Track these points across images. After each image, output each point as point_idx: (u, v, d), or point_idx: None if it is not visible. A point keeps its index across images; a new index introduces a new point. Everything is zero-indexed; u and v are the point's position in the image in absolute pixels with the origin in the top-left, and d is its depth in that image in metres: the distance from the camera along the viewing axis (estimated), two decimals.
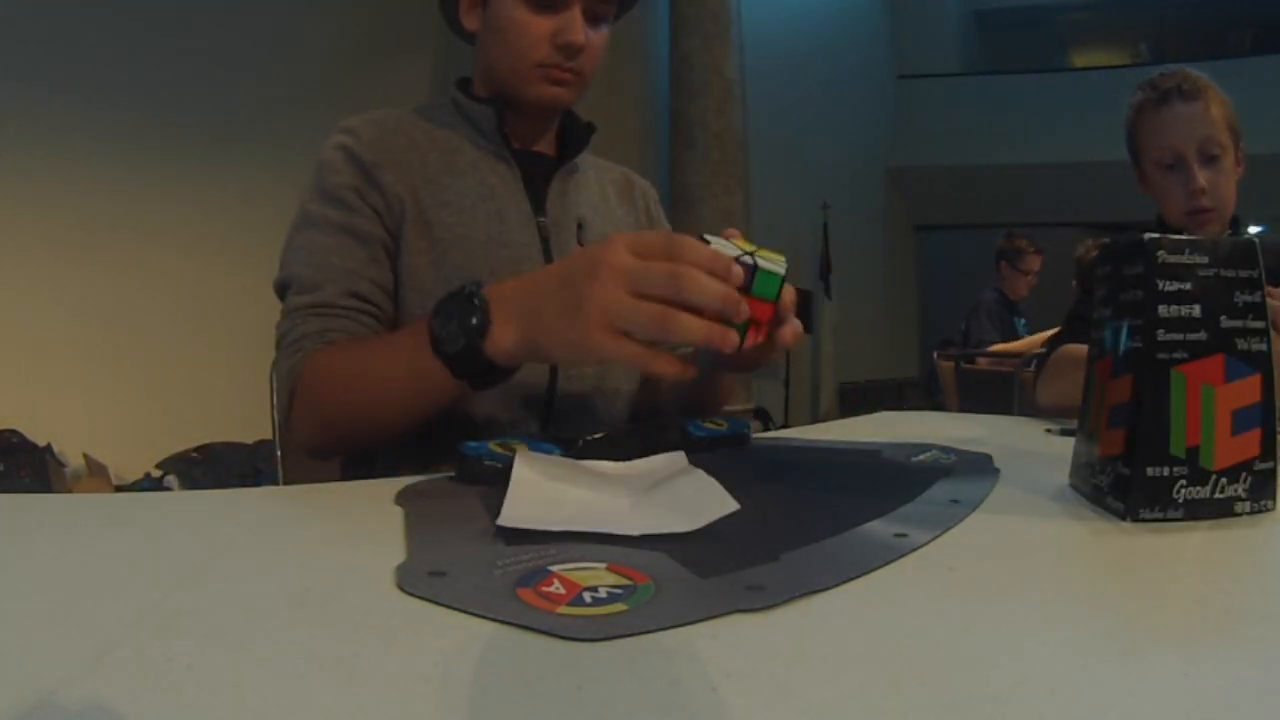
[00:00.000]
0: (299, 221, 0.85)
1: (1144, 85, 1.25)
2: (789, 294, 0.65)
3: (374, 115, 0.91)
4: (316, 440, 0.78)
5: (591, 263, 0.57)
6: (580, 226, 0.94)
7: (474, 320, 0.63)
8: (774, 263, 0.61)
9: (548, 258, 0.90)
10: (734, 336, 0.55)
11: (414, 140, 0.89)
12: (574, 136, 0.97)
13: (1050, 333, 1.39)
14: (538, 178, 0.93)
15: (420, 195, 0.87)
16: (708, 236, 0.61)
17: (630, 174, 1.08)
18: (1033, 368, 1.34)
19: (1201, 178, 1.17)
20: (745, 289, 0.58)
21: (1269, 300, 0.52)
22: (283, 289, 0.84)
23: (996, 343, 3.47)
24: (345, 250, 0.83)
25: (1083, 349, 1.13)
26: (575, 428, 0.91)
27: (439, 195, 0.87)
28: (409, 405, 0.71)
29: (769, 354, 0.71)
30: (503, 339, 0.63)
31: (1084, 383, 0.61)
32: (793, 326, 0.64)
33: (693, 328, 0.54)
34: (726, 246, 0.61)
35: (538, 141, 0.95)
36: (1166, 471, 0.49)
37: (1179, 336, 0.50)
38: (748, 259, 0.60)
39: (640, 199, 1.06)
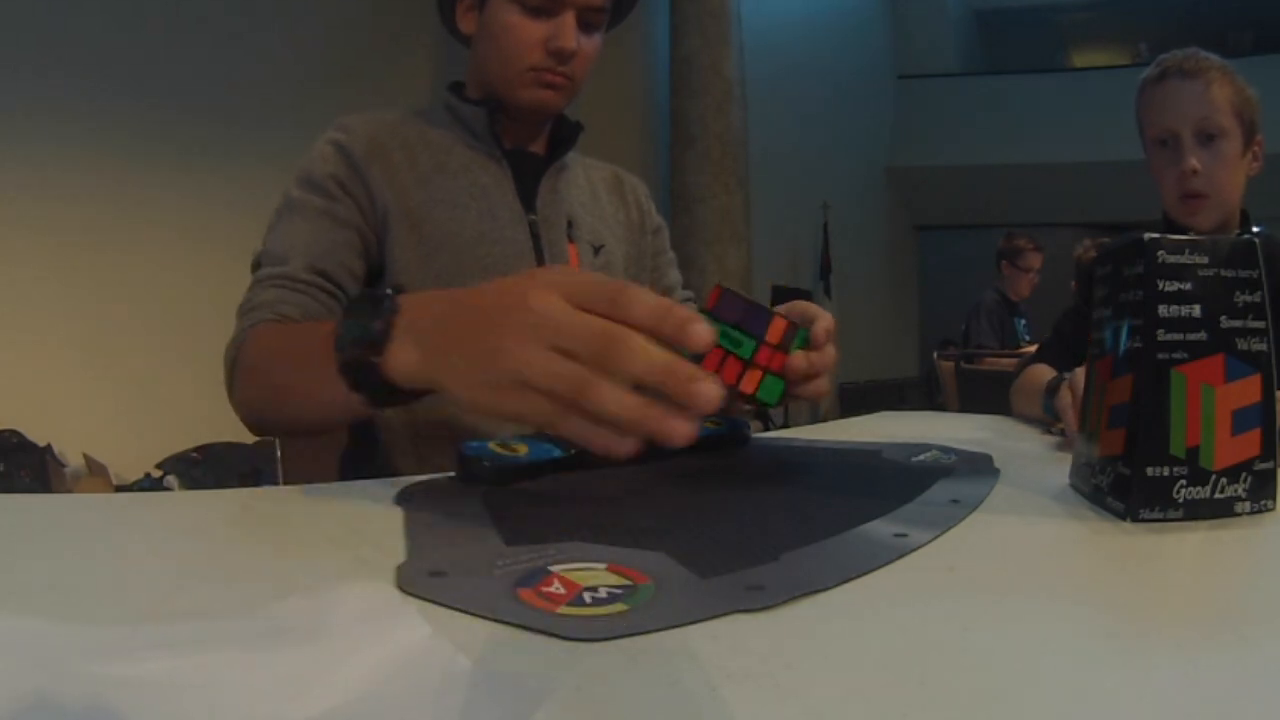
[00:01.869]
0: (281, 208, 0.87)
1: (1152, 65, 1.22)
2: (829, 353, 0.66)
3: (370, 115, 0.92)
4: (245, 414, 0.75)
5: (514, 304, 0.46)
6: (570, 224, 0.96)
7: (374, 327, 0.53)
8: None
9: (539, 255, 0.92)
10: (680, 426, 0.42)
11: (407, 141, 0.91)
12: (562, 135, 0.98)
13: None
14: (528, 176, 0.95)
15: (410, 195, 0.88)
16: (728, 287, 0.63)
17: (619, 171, 1.10)
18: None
19: (1193, 159, 1.13)
20: (784, 348, 0.60)
21: None
22: (255, 267, 0.85)
23: (994, 347, 3.47)
24: (319, 231, 0.84)
25: (1046, 375, 1.13)
26: None
27: (431, 194, 0.89)
28: (314, 405, 0.65)
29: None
30: (403, 360, 0.52)
31: (1084, 383, 0.61)
32: (818, 386, 0.63)
33: (613, 404, 0.42)
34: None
35: (529, 142, 0.97)
36: (1166, 471, 0.49)
37: (1179, 336, 0.50)
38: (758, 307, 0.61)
39: (630, 194, 1.08)
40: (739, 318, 0.61)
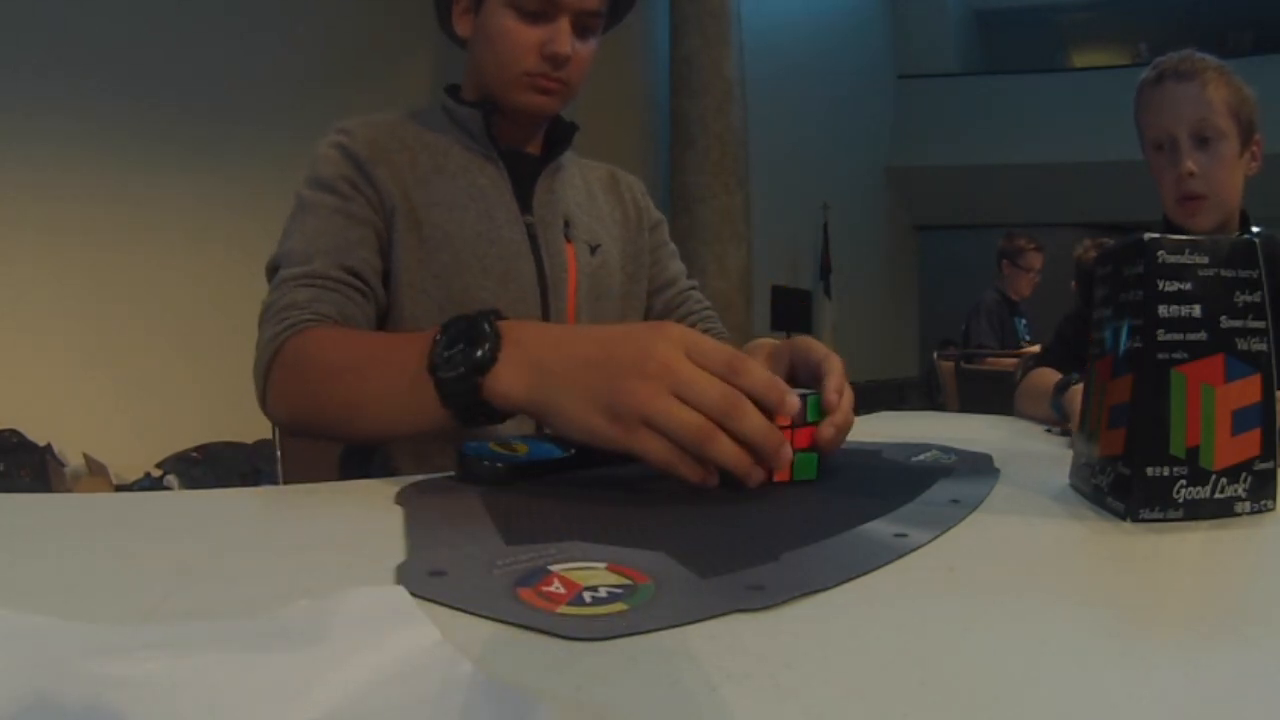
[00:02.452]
0: (294, 211, 0.87)
1: (1149, 67, 1.22)
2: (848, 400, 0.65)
3: (368, 118, 0.93)
4: (288, 419, 0.75)
5: (641, 353, 0.52)
6: (567, 224, 0.96)
7: (479, 352, 0.57)
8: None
9: (536, 255, 0.92)
10: (761, 475, 0.55)
11: (405, 143, 0.91)
12: (558, 136, 0.99)
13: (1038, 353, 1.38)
14: (525, 177, 0.95)
15: (411, 195, 0.89)
16: None
17: (615, 170, 1.10)
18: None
19: (1191, 161, 1.14)
20: (801, 421, 0.59)
21: None
22: (274, 269, 0.84)
23: (994, 346, 3.47)
24: (338, 230, 0.84)
25: (1052, 377, 1.13)
26: None
27: (429, 195, 0.89)
28: (387, 419, 0.65)
29: None
30: (509, 385, 0.56)
31: (1084, 383, 0.61)
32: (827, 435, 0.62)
33: (729, 455, 0.52)
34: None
35: (524, 143, 0.97)
36: (1166, 471, 0.49)
37: (1179, 336, 0.50)
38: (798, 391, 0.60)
39: (627, 191, 1.08)
40: None
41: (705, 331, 1.05)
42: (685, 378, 0.51)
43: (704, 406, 0.51)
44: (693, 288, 1.11)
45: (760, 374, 0.53)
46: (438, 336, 0.60)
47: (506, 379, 0.56)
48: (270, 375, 0.75)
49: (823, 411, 0.62)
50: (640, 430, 0.52)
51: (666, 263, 1.10)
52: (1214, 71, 1.16)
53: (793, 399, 0.54)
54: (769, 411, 0.54)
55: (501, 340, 0.57)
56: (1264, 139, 1.19)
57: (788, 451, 0.55)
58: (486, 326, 0.58)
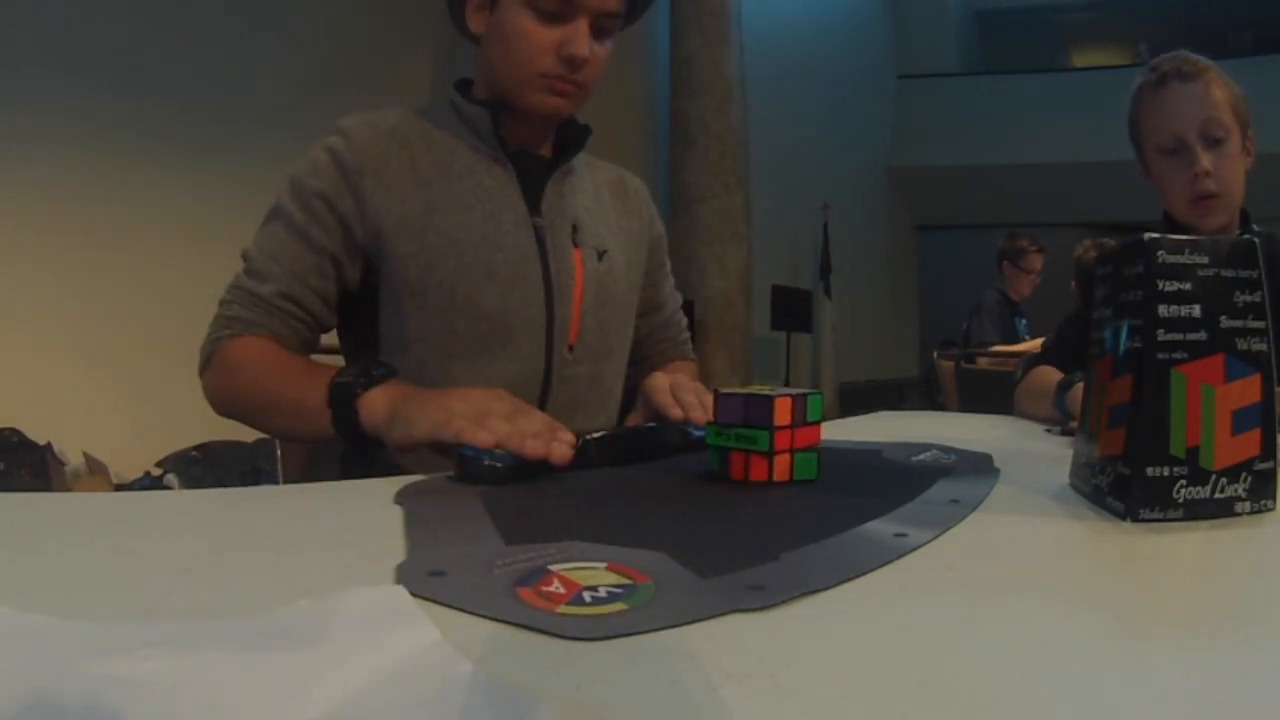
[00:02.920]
0: (271, 210, 0.90)
1: (1145, 70, 1.21)
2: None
3: (371, 116, 0.91)
4: (220, 408, 0.89)
5: (460, 391, 0.73)
6: (575, 228, 0.94)
7: (371, 374, 0.77)
8: (775, 389, 0.64)
9: (543, 259, 0.91)
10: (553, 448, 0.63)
11: (408, 142, 0.90)
12: (569, 138, 0.97)
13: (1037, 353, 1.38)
14: (534, 179, 0.93)
15: (411, 200, 0.87)
16: (723, 390, 0.64)
17: (624, 173, 1.08)
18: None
19: (1205, 160, 1.12)
20: (800, 421, 0.60)
21: None
22: (244, 259, 0.91)
23: (996, 343, 3.47)
24: (295, 254, 0.88)
25: (1054, 376, 1.13)
26: (568, 423, 0.91)
27: (433, 199, 0.88)
28: (289, 421, 0.84)
29: None
30: (375, 403, 0.75)
31: (1084, 383, 0.61)
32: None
33: (499, 433, 0.63)
34: (739, 390, 0.64)
35: (534, 144, 0.95)
36: (1166, 471, 0.49)
37: (1179, 336, 0.50)
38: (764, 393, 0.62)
39: (634, 200, 1.06)
40: (742, 415, 0.61)
41: (679, 358, 1.13)
42: (485, 400, 0.70)
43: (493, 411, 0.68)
44: (677, 310, 1.13)
45: (534, 421, 0.67)
46: (343, 370, 0.79)
47: (374, 400, 0.75)
48: (206, 370, 0.88)
49: (823, 411, 0.63)
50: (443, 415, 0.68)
51: (661, 284, 1.10)
52: (1213, 71, 1.15)
53: (561, 446, 0.64)
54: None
55: (385, 379, 0.77)
56: (1255, 134, 1.19)
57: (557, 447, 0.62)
58: (378, 372, 0.77)
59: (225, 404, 0.88)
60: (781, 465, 0.60)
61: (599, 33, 0.87)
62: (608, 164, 1.08)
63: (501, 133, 0.91)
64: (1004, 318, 3.70)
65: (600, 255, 0.96)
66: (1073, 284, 3.11)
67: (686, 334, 1.16)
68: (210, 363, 0.88)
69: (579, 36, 0.85)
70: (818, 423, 0.62)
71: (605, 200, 1.02)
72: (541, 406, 0.89)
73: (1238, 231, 1.19)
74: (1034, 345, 2.75)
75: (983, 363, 3.05)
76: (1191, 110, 1.14)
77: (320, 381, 0.78)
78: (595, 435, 0.69)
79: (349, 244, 0.88)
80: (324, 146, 0.88)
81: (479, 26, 0.91)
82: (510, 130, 0.92)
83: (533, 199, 0.92)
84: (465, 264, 0.87)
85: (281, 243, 0.88)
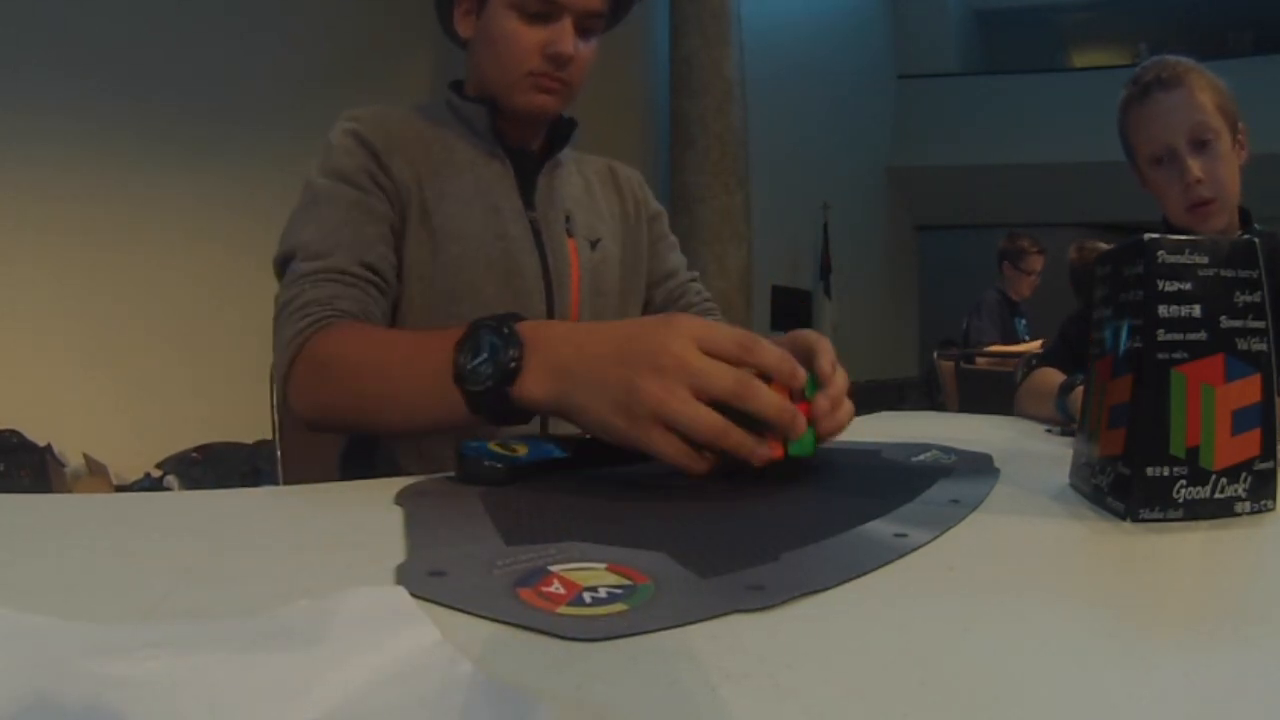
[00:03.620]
0: (306, 200, 0.85)
1: (1127, 83, 1.21)
2: (842, 381, 0.67)
3: (375, 110, 0.93)
4: (313, 415, 0.76)
5: (655, 351, 0.54)
6: (568, 219, 0.97)
7: (510, 365, 0.58)
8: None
9: (540, 250, 0.93)
10: (768, 453, 0.56)
11: (419, 133, 0.92)
12: (558, 133, 0.99)
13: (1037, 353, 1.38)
14: (528, 174, 0.96)
15: (424, 186, 0.89)
16: None
17: (613, 163, 1.10)
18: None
19: (1196, 167, 1.12)
20: (796, 399, 0.60)
21: None
22: (285, 261, 0.82)
23: (996, 342, 3.47)
24: (356, 224, 0.83)
25: (1056, 378, 1.13)
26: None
27: (440, 188, 0.90)
28: (414, 420, 0.68)
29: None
30: (534, 390, 0.58)
31: (1084, 383, 0.61)
32: (840, 418, 0.65)
33: (745, 443, 0.54)
34: None
35: (527, 140, 0.97)
36: (1166, 471, 0.49)
37: (1179, 336, 0.50)
38: None
39: (625, 184, 1.08)
40: None
41: None
42: (697, 370, 0.53)
43: (718, 395, 0.53)
44: (693, 279, 1.11)
45: (771, 351, 0.56)
46: (462, 342, 0.61)
47: (530, 386, 0.58)
48: (293, 371, 0.75)
49: (818, 386, 0.64)
50: (655, 428, 0.54)
51: (666, 255, 1.09)
52: (1196, 73, 1.15)
53: (802, 371, 0.58)
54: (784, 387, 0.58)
55: (524, 348, 0.59)
56: (1246, 127, 1.18)
57: (802, 422, 0.57)
58: (508, 333, 0.59)
59: (322, 409, 0.74)
60: (777, 442, 0.59)
61: (584, 31, 0.90)
62: (596, 157, 1.10)
63: (497, 129, 0.94)
64: (1004, 317, 3.71)
65: (593, 245, 0.98)
66: (1069, 284, 3.11)
67: (712, 304, 1.11)
68: (296, 365, 0.75)
69: (564, 36, 0.87)
70: (812, 400, 0.62)
71: (595, 189, 1.04)
72: None
73: (1238, 232, 1.18)
74: (1033, 346, 2.76)
75: (982, 363, 3.05)
76: (1177, 118, 1.14)
77: (443, 376, 0.62)
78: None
79: (396, 215, 0.87)
80: (345, 131, 0.89)
81: (467, 31, 0.94)
82: (504, 128, 0.95)
83: (527, 193, 0.95)
84: (468, 253, 0.88)
85: (336, 220, 0.82)
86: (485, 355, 0.60)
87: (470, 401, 0.61)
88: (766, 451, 0.56)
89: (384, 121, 0.90)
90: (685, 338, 0.54)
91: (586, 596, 0.34)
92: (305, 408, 0.75)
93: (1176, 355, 0.50)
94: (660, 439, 0.54)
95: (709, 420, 0.53)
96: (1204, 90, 1.14)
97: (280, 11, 3.66)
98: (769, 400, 0.54)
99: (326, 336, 0.74)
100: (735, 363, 0.54)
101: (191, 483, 3.10)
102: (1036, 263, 3.76)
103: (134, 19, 3.23)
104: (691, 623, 0.32)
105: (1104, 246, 2.92)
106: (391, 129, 0.90)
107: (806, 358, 0.68)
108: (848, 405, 0.67)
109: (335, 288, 0.78)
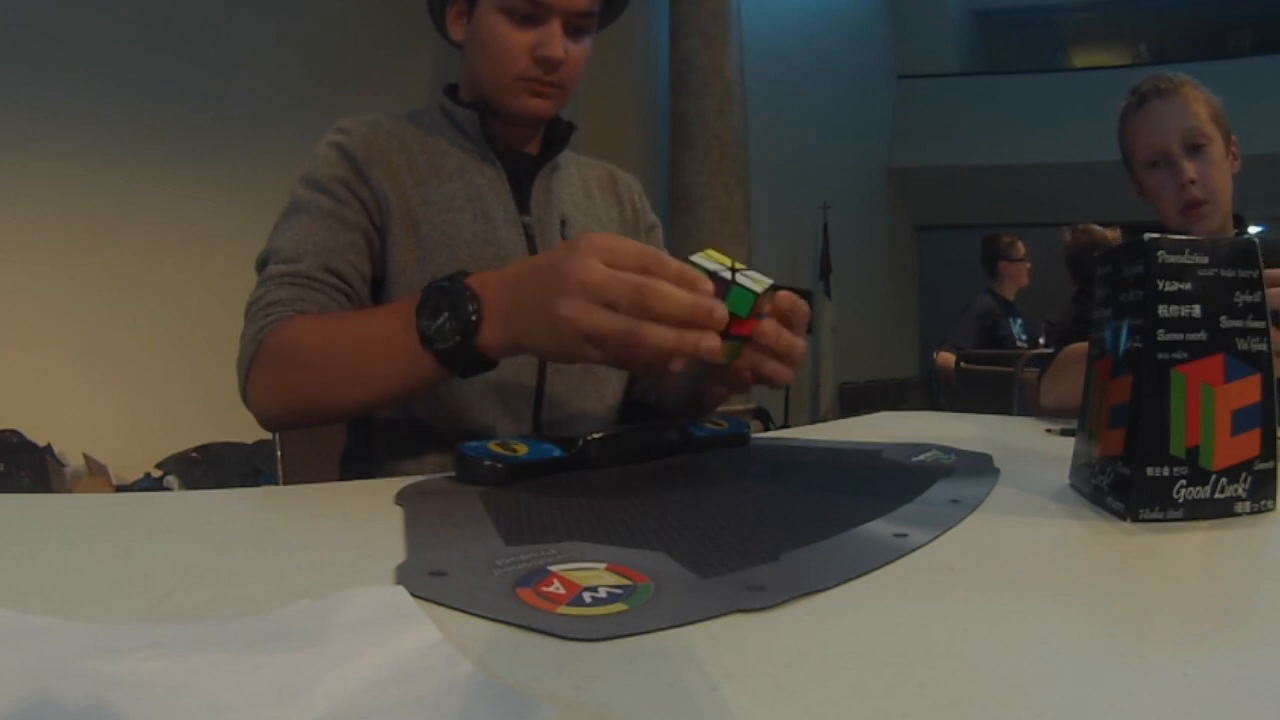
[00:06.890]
0: (287, 208, 0.88)
1: (1127, 94, 1.28)
2: (800, 312, 0.67)
3: (367, 118, 0.93)
4: (273, 407, 0.77)
5: (562, 276, 0.57)
6: (564, 224, 0.96)
7: (471, 317, 0.64)
8: (753, 280, 0.62)
9: (533, 254, 0.92)
10: (710, 342, 0.56)
11: (404, 143, 0.91)
12: (555, 135, 0.99)
13: (1039, 351, 1.41)
14: (523, 178, 0.95)
15: (409, 195, 0.89)
16: (694, 258, 0.62)
17: (613, 169, 1.10)
18: (1033, 367, 1.35)
19: (1189, 169, 1.18)
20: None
21: (1269, 290, 0.52)
22: (262, 265, 0.85)
23: (970, 346, 3.46)
24: (328, 231, 0.85)
25: (1084, 348, 1.14)
26: (566, 414, 0.91)
27: (426, 196, 0.89)
28: (386, 388, 0.71)
29: (745, 380, 0.73)
30: (491, 337, 0.64)
31: (1084, 383, 0.61)
32: (777, 369, 0.67)
33: (663, 338, 0.55)
34: (707, 262, 0.62)
35: (522, 143, 0.97)
36: (1166, 471, 0.49)
37: (1179, 336, 0.50)
38: (726, 274, 0.61)
39: (625, 192, 1.08)
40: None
41: None
42: (598, 282, 0.56)
43: (622, 304, 0.55)
44: None
45: (673, 264, 0.57)
46: (421, 307, 0.66)
47: (488, 334, 0.64)
48: (253, 369, 0.77)
49: (747, 307, 0.63)
50: (587, 346, 0.58)
51: None
52: (1191, 85, 1.22)
53: (707, 281, 0.57)
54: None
55: (479, 301, 0.64)
56: (1239, 139, 1.24)
57: (720, 312, 0.56)
58: (462, 289, 0.64)
59: (283, 402, 0.75)
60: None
61: (575, 32, 0.89)
62: (597, 161, 1.09)
63: (490, 133, 0.93)
64: (997, 321, 3.69)
65: None
66: (1068, 275, 3.10)
67: None
68: (255, 362, 0.76)
69: (552, 38, 0.86)
70: (741, 317, 0.62)
71: (594, 194, 1.04)
72: (538, 396, 0.90)
73: (1235, 233, 1.20)
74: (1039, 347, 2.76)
75: (982, 364, 3.05)
76: (1172, 123, 1.20)
77: (405, 341, 0.66)
78: (595, 435, 0.69)
79: (372, 226, 0.88)
80: (328, 143, 0.90)
81: (459, 34, 0.93)
82: (498, 131, 0.94)
83: (522, 197, 0.94)
84: (457, 260, 0.88)
85: (310, 228, 0.84)
86: (446, 314, 0.64)
87: (441, 359, 0.65)
88: (695, 338, 0.56)
89: (370, 132, 0.90)
90: (588, 256, 0.56)
91: (586, 596, 0.34)
92: (265, 401, 0.77)
93: (1176, 355, 0.50)
94: (594, 354, 0.58)
95: (616, 324, 0.55)
96: (1198, 101, 1.20)
97: (280, 11, 3.66)
98: (675, 298, 0.55)
99: (282, 329, 0.76)
100: (641, 273, 0.56)
101: (192, 483, 3.10)
102: (1022, 246, 3.77)
103: (134, 19, 3.23)
104: (691, 623, 0.32)
105: (1098, 229, 2.88)
106: (376, 139, 0.90)
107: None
108: (789, 367, 0.69)
109: (299, 290, 0.80)
